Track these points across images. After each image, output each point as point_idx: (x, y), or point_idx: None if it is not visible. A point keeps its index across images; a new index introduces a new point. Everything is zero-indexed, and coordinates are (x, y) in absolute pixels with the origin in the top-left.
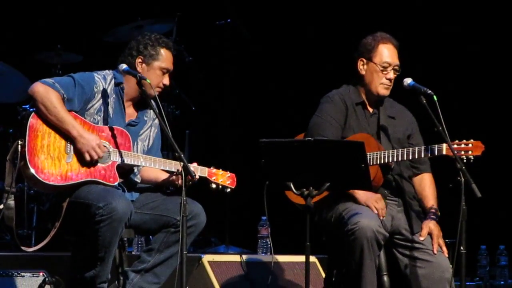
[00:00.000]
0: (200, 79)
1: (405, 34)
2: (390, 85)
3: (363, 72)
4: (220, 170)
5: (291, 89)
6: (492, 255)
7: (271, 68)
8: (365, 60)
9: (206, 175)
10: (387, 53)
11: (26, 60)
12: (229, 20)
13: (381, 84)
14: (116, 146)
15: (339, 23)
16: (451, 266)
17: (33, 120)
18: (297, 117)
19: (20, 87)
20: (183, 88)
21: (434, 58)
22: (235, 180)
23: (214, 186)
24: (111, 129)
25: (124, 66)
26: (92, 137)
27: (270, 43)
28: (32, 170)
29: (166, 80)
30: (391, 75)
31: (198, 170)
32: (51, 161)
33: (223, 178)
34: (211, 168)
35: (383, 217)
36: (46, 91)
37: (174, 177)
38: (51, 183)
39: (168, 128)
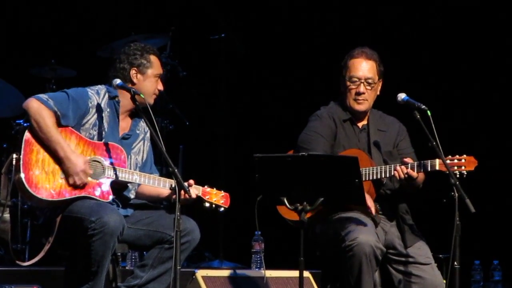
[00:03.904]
0: (194, 93)
1: (400, 49)
2: (363, 100)
3: (341, 88)
4: (214, 189)
5: (286, 103)
6: (486, 270)
7: (265, 83)
8: (341, 75)
9: (200, 193)
10: (355, 67)
11: (20, 75)
12: (223, 34)
13: (353, 99)
14: (111, 162)
15: (334, 38)
16: (444, 281)
17: (28, 134)
18: (292, 132)
19: (14, 102)
20: (177, 102)
21: (427, 71)
22: (229, 199)
23: (207, 205)
24: (106, 145)
25: (118, 81)
26: (79, 161)
27: (265, 58)
28: (26, 184)
29: (160, 86)
30: (361, 89)
31: (193, 189)
32: (45, 176)
33: (217, 197)
34: (205, 187)
35: (375, 212)
36: (39, 108)
37: (175, 197)
38: (44, 198)
39: (162, 142)
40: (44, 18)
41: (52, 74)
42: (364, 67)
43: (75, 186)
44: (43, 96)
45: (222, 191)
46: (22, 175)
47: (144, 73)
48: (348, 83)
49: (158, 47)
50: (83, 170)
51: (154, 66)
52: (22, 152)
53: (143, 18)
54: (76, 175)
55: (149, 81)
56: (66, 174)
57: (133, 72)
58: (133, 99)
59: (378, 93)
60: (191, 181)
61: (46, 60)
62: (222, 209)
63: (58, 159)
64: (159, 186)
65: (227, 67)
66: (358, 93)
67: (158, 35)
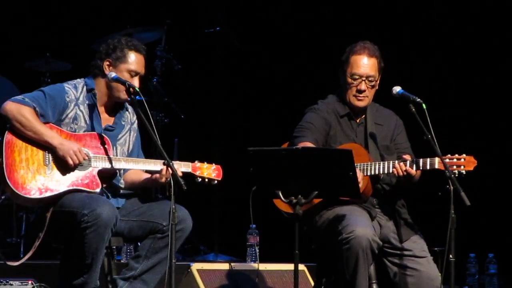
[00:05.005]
0: (189, 87)
1: (399, 41)
2: (364, 97)
3: (341, 82)
4: (205, 163)
5: (280, 96)
6: (481, 263)
7: (260, 76)
8: (341, 70)
9: (190, 170)
10: (357, 64)
11: (15, 68)
12: (218, 28)
13: (354, 96)
14: (96, 151)
15: (330, 30)
16: (440, 274)
17: (8, 136)
18: (286, 125)
19: (9, 95)
20: (172, 96)
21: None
22: (221, 171)
23: (200, 180)
24: (89, 136)
25: (113, 74)
26: (73, 143)
27: (260, 51)
28: (12, 186)
29: (135, 83)
30: (362, 86)
31: (182, 166)
32: (31, 175)
33: (208, 171)
34: (195, 162)
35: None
36: (18, 108)
37: (157, 175)
38: (32, 197)
39: (157, 136)
40: (39, 11)
41: (47, 67)
42: (366, 65)
43: (70, 174)
44: (18, 96)
45: (213, 164)
46: (7, 178)
47: (116, 67)
48: (349, 80)
49: (153, 40)
50: (79, 149)
51: (129, 62)
52: (3, 155)
53: (138, 11)
54: (74, 154)
55: (120, 75)
56: (64, 157)
57: (106, 63)
58: (128, 92)
59: (377, 87)
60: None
61: (41, 54)
62: (215, 182)
63: (49, 150)
64: (148, 168)
65: (222, 60)
66: (359, 91)
67: (153, 29)
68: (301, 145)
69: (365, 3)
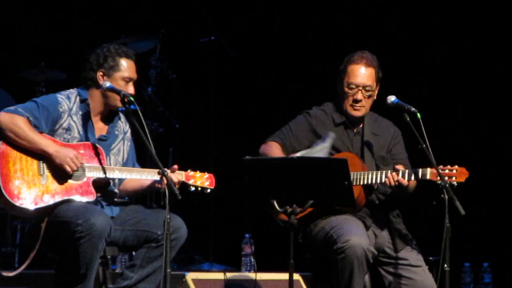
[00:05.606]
0: (184, 96)
1: (393, 50)
2: (360, 107)
3: (338, 91)
4: (198, 172)
5: (275, 105)
6: (476, 272)
7: (255, 86)
8: (339, 79)
9: (183, 179)
10: (354, 73)
11: (10, 78)
12: (213, 37)
13: (350, 105)
14: (90, 161)
15: (326, 39)
16: (435, 283)
17: (2, 147)
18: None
19: (4, 105)
20: (167, 105)
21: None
22: (214, 180)
23: (193, 189)
24: (83, 145)
25: (107, 83)
26: (68, 149)
27: (254, 60)
28: (7, 197)
29: (130, 89)
30: (359, 96)
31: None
32: (26, 185)
33: (201, 179)
34: (188, 171)
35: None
36: (11, 118)
37: (157, 184)
38: (28, 207)
39: (152, 145)
40: (34, 20)
41: (42, 76)
42: (363, 74)
43: (65, 183)
44: (11, 107)
45: (206, 173)
46: (2, 189)
47: (111, 76)
48: (346, 89)
49: (148, 49)
50: (76, 155)
51: (123, 70)
52: None
53: (133, 20)
54: (71, 160)
55: (115, 84)
56: (60, 164)
57: (100, 74)
58: (122, 101)
59: (375, 97)
60: (175, 166)
61: (36, 63)
62: (208, 190)
63: (45, 159)
64: (142, 177)
65: (217, 70)
66: (356, 101)
67: (148, 38)
68: (267, 144)
69: (363, 11)
